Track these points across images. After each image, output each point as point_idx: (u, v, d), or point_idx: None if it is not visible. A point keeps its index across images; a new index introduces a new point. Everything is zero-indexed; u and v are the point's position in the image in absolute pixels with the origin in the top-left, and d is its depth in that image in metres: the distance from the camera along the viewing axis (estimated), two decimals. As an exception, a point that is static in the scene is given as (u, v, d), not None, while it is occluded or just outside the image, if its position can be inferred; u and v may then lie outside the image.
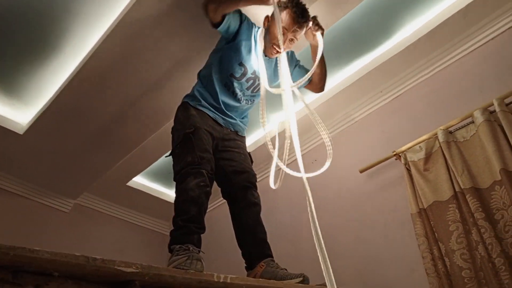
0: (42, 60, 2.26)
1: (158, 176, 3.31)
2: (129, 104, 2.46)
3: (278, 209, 2.85)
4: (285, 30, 1.81)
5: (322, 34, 1.87)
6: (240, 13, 1.88)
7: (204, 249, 1.63)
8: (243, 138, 2.04)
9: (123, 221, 3.43)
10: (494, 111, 1.92)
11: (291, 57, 2.05)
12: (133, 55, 2.18)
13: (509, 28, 2.13)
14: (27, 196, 2.97)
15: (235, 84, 1.93)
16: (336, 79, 2.57)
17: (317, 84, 2.07)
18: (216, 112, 1.94)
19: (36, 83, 2.38)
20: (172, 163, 1.83)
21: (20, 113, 2.54)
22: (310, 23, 1.86)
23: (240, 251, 1.81)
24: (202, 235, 1.64)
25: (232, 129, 1.99)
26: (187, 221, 1.60)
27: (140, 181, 3.30)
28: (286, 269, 1.68)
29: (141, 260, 1.38)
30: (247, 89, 1.97)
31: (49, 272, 1.06)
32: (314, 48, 1.91)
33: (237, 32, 1.86)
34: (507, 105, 1.91)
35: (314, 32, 1.87)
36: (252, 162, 2.00)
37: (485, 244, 1.73)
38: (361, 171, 2.39)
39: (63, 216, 3.13)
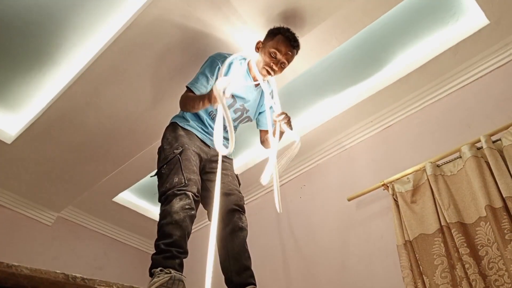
0: (36, 70, 2.25)
1: (145, 193, 3.28)
2: (120, 119, 2.46)
3: (264, 233, 2.83)
4: (278, 53, 1.86)
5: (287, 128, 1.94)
6: (210, 72, 1.89)
7: (186, 271, 1.60)
8: (230, 160, 2.04)
9: (106, 237, 3.37)
10: (481, 147, 1.95)
11: (272, 93, 2.08)
12: (127, 72, 2.19)
13: (497, 67, 2.20)
14: (9, 207, 2.91)
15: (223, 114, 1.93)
16: (328, 106, 2.61)
17: (267, 145, 2.09)
18: (204, 133, 1.93)
19: (28, 93, 2.37)
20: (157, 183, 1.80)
21: (9, 122, 2.52)
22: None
23: (223, 276, 1.78)
24: (185, 259, 1.61)
25: None
26: (169, 245, 1.56)
27: (126, 197, 3.26)
28: (268, 296, 1.65)
29: (122, 278, 1.36)
30: (234, 120, 1.98)
31: (27, 289, 1.03)
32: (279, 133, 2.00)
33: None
34: (494, 142, 1.95)
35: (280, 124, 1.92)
36: (239, 184, 1.99)
37: (469, 280, 1.73)
38: (349, 199, 2.39)
39: (45, 229, 3.06)
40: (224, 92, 1.62)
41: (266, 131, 2.07)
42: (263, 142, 2.13)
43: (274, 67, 1.88)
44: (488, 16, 2.05)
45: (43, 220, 3.06)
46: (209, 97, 1.71)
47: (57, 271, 1.06)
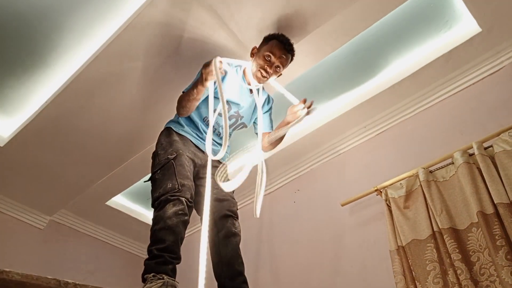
0: (30, 74, 2.24)
1: (138, 197, 3.26)
2: (113, 123, 2.45)
3: (258, 238, 2.82)
4: (272, 56, 1.88)
5: (306, 115, 1.93)
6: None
7: (179, 277, 1.59)
8: (224, 165, 2.04)
9: (99, 241, 3.34)
10: (473, 153, 1.97)
11: (267, 100, 2.10)
12: (121, 76, 2.19)
13: (489, 74, 2.23)
14: (0, 210, 2.88)
15: (216, 119, 1.94)
16: (323, 111, 2.62)
17: (269, 146, 2.09)
18: (199, 139, 1.94)
19: (21, 96, 2.36)
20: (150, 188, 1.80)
21: (2, 125, 2.50)
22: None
23: (216, 282, 1.77)
24: (177, 265, 1.61)
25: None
26: (162, 251, 1.55)
27: (120, 201, 3.24)
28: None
29: (114, 283, 1.35)
30: (229, 126, 1.98)
31: (18, 295, 1.02)
32: (287, 123, 1.98)
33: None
34: (485, 148, 1.96)
35: (301, 111, 1.91)
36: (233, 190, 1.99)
37: (461, 286, 1.74)
38: (343, 205, 2.40)
39: (37, 233, 3.04)
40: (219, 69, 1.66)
41: (266, 133, 2.07)
42: (263, 146, 2.13)
43: (268, 69, 1.88)
44: (480, 24, 2.08)
45: (35, 224, 3.04)
46: (201, 77, 1.73)
47: (49, 277, 1.06)
